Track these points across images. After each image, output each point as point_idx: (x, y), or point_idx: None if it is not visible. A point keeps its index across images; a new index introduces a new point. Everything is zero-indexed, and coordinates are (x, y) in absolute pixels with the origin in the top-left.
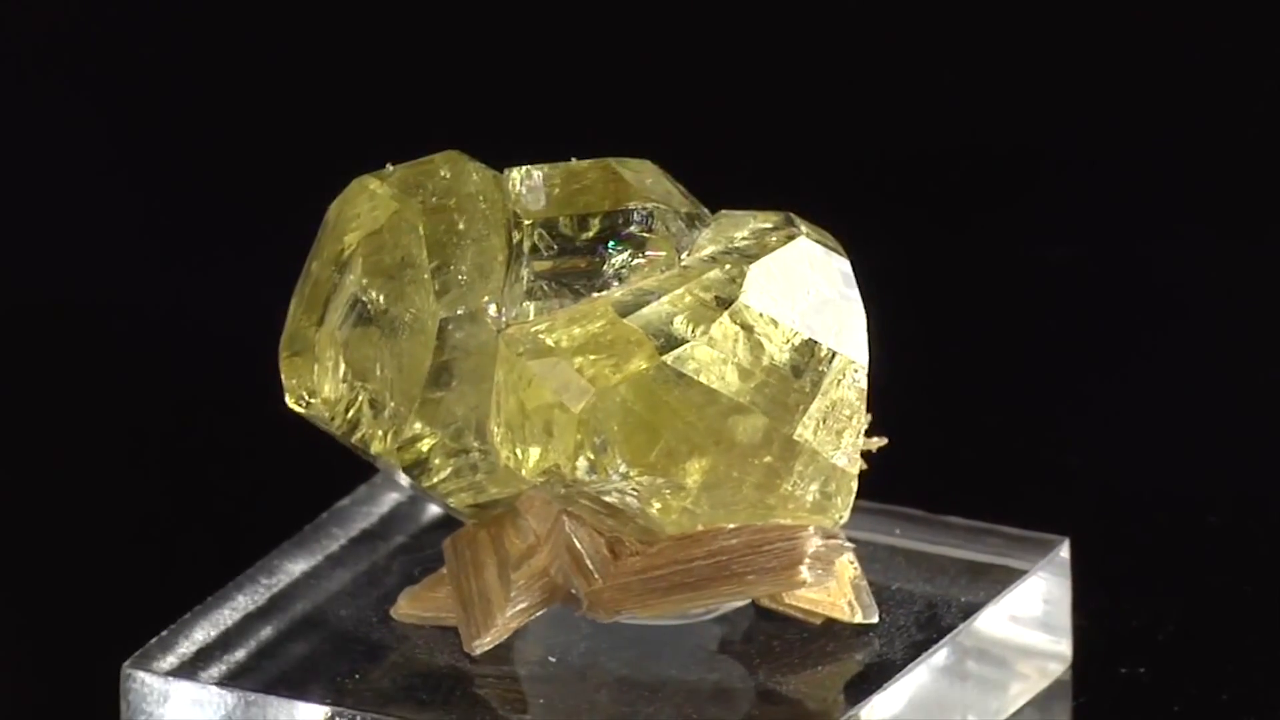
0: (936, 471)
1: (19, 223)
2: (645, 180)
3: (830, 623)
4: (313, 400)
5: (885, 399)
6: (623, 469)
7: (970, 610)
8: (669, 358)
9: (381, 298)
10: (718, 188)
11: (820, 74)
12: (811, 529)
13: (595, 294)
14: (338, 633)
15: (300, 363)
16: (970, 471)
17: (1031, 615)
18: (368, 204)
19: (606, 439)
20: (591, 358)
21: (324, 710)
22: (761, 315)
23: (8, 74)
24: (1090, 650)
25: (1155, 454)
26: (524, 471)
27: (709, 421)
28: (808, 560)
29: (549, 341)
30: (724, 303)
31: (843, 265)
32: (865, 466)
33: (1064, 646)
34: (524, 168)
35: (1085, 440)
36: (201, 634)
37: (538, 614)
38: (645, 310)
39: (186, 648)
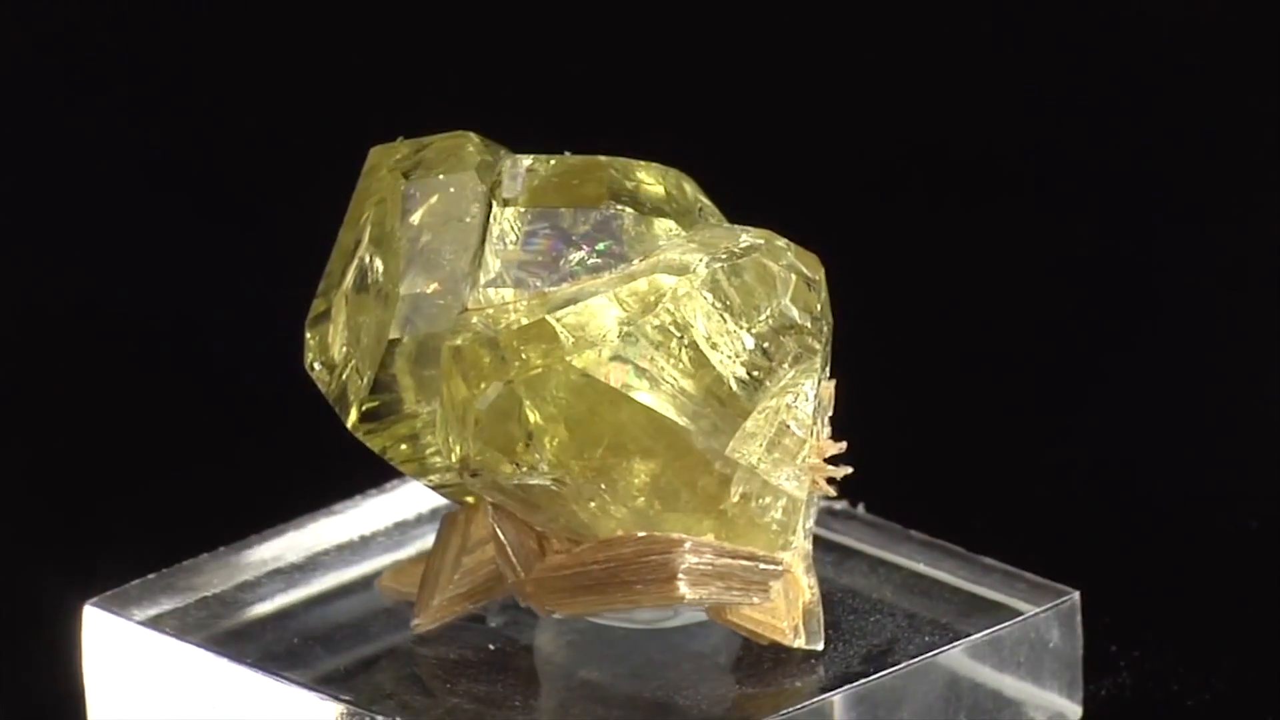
0: (972, 511)
1: (29, 220)
2: (628, 183)
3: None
4: (323, 361)
5: (890, 409)
6: (544, 465)
7: (926, 649)
8: (577, 358)
9: (379, 266)
10: (713, 187)
11: (811, 73)
12: (689, 545)
13: (549, 288)
14: (302, 595)
15: (322, 324)
16: (1003, 510)
17: (1035, 667)
18: (384, 172)
19: (534, 432)
20: (515, 351)
21: (211, 658)
22: (693, 326)
23: (9, 72)
24: (1102, 709)
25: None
26: (452, 459)
27: (643, 426)
28: (682, 576)
29: (488, 332)
30: (649, 308)
31: (817, 292)
32: (833, 493)
33: (1071, 701)
34: (516, 156)
35: (1131, 489)
36: (174, 590)
37: (483, 602)
38: (574, 308)
39: (158, 600)
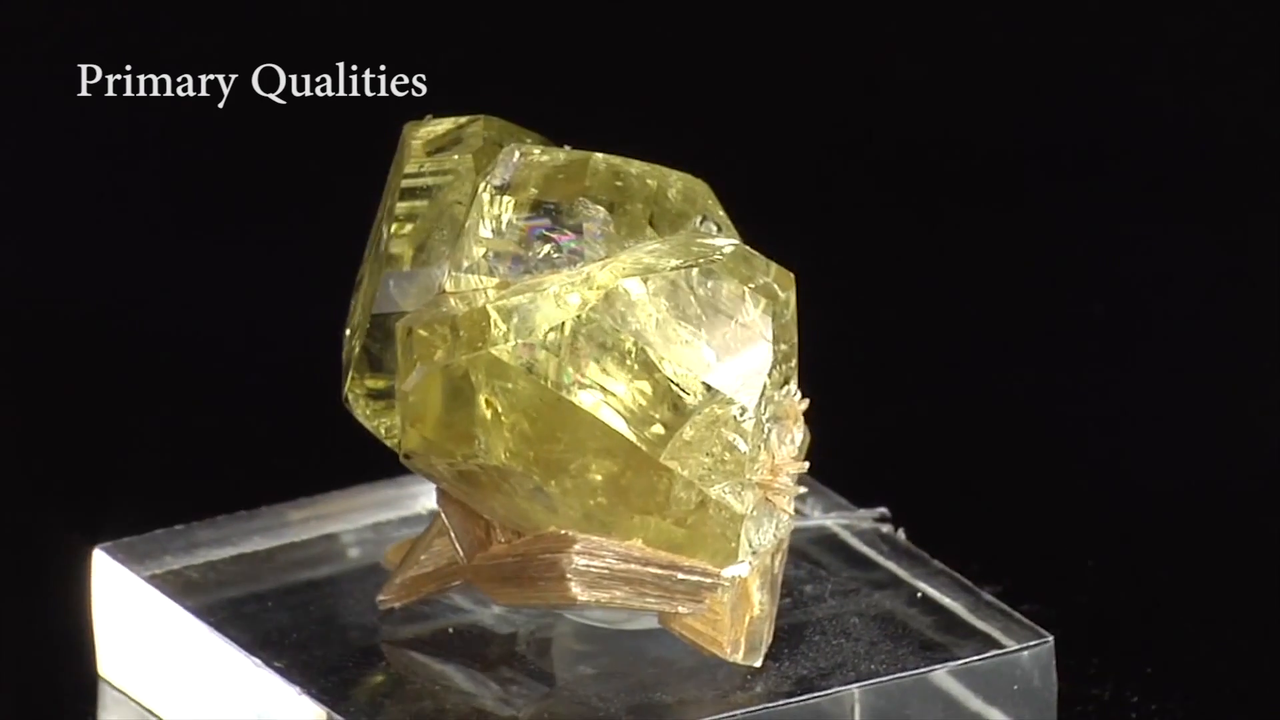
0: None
1: (43, 221)
2: (617, 183)
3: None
4: (350, 327)
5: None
6: (502, 454)
7: (866, 676)
8: (500, 350)
9: (385, 237)
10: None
11: (804, 73)
12: (579, 546)
13: (514, 279)
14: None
15: (358, 291)
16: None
17: (1013, 708)
18: (409, 147)
19: (489, 419)
20: (471, 334)
21: (191, 622)
22: (645, 330)
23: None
24: None
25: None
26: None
27: (592, 426)
28: (571, 576)
29: (452, 314)
30: (590, 308)
31: (781, 310)
32: (791, 511)
33: None
34: (517, 145)
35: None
36: (211, 543)
37: (455, 583)
38: (519, 299)
39: (193, 551)
